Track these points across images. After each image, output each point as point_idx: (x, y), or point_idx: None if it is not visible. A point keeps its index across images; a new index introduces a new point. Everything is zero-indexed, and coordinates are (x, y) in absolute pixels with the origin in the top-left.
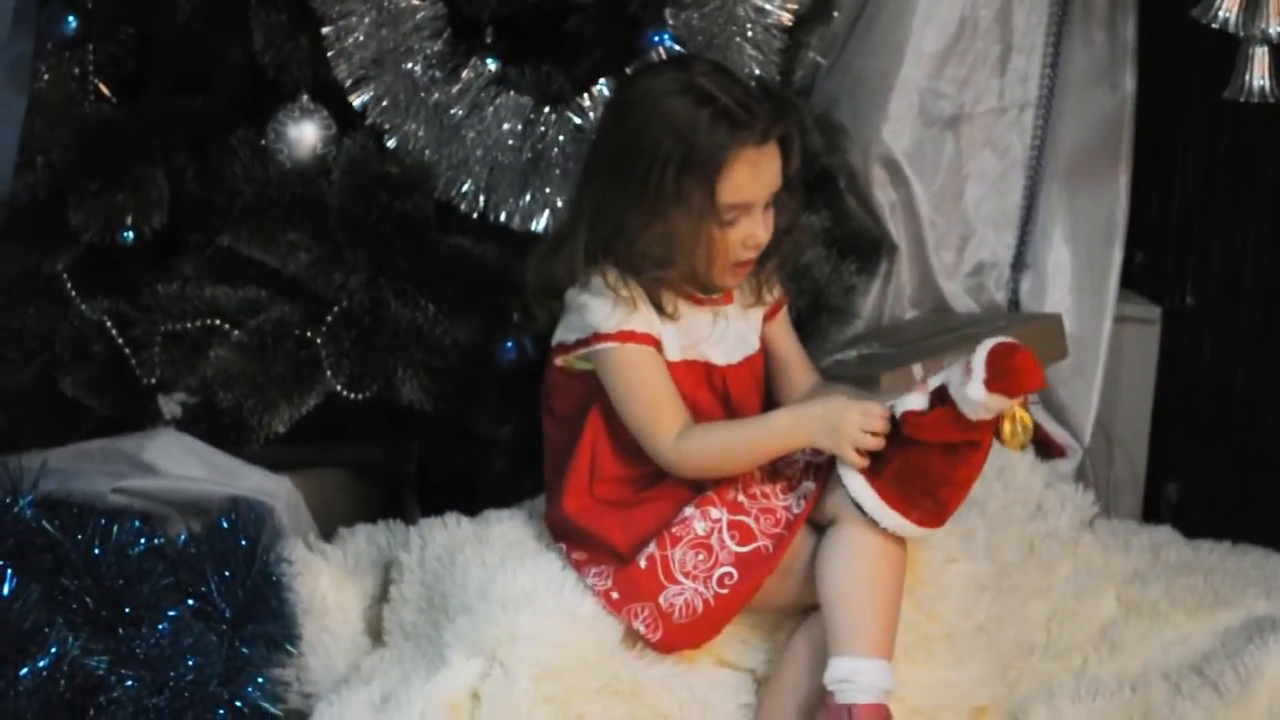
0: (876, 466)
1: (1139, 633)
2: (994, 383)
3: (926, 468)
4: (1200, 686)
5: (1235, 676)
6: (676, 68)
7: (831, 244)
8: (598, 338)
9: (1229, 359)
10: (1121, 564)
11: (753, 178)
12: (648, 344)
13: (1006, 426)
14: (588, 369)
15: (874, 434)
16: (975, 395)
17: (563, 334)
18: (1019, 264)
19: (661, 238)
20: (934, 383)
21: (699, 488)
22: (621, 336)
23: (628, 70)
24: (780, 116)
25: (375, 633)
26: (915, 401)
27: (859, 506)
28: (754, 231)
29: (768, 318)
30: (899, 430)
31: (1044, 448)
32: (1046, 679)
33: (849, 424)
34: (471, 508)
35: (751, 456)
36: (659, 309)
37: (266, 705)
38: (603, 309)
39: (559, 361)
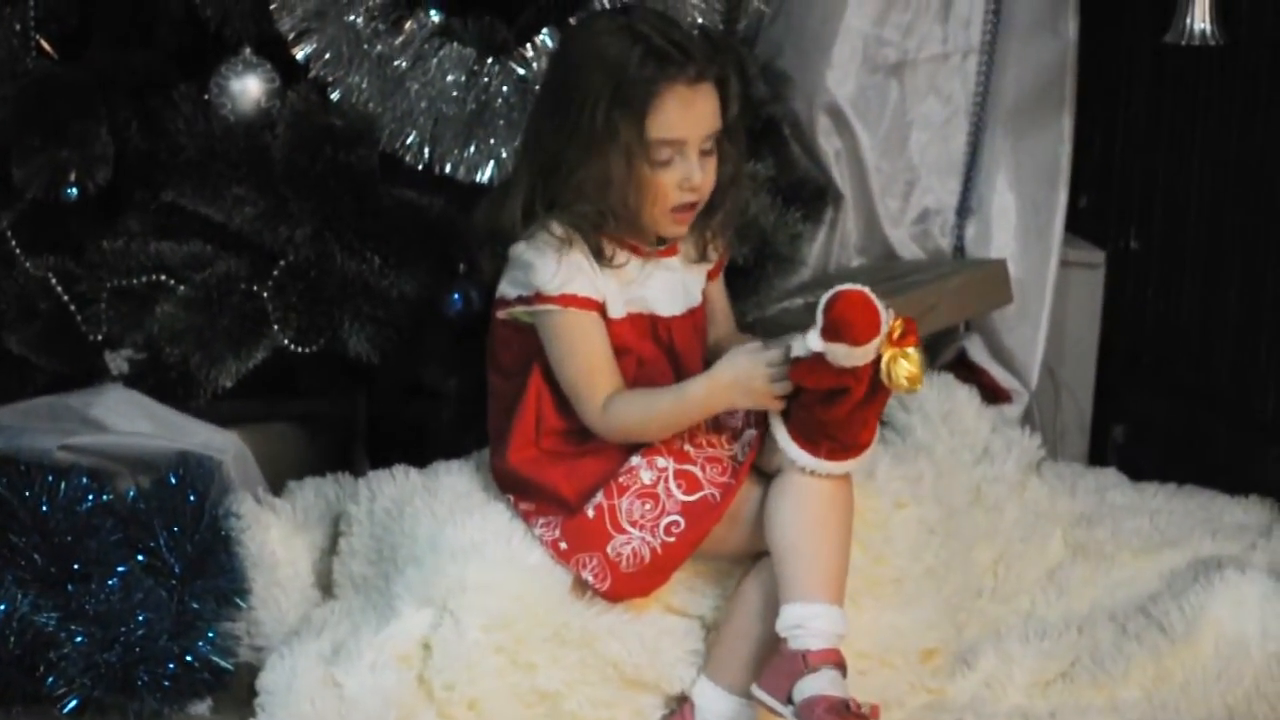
0: (787, 408)
1: (1085, 574)
2: (826, 332)
3: (811, 410)
4: (1146, 627)
5: (1181, 616)
6: (617, 13)
7: (776, 192)
8: (540, 298)
9: (1173, 301)
10: (1068, 507)
11: (683, 115)
12: (590, 309)
13: (884, 370)
14: (531, 322)
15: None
16: (813, 344)
17: (506, 288)
18: (964, 210)
19: (596, 177)
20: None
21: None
22: (563, 300)
23: (571, 21)
24: (714, 57)
25: (325, 585)
26: (799, 348)
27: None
28: (689, 175)
29: (711, 275)
30: None
31: (990, 392)
32: (994, 621)
33: (760, 380)
34: (420, 459)
35: (671, 425)
36: (599, 255)
37: (217, 659)
38: (547, 269)
39: (501, 315)
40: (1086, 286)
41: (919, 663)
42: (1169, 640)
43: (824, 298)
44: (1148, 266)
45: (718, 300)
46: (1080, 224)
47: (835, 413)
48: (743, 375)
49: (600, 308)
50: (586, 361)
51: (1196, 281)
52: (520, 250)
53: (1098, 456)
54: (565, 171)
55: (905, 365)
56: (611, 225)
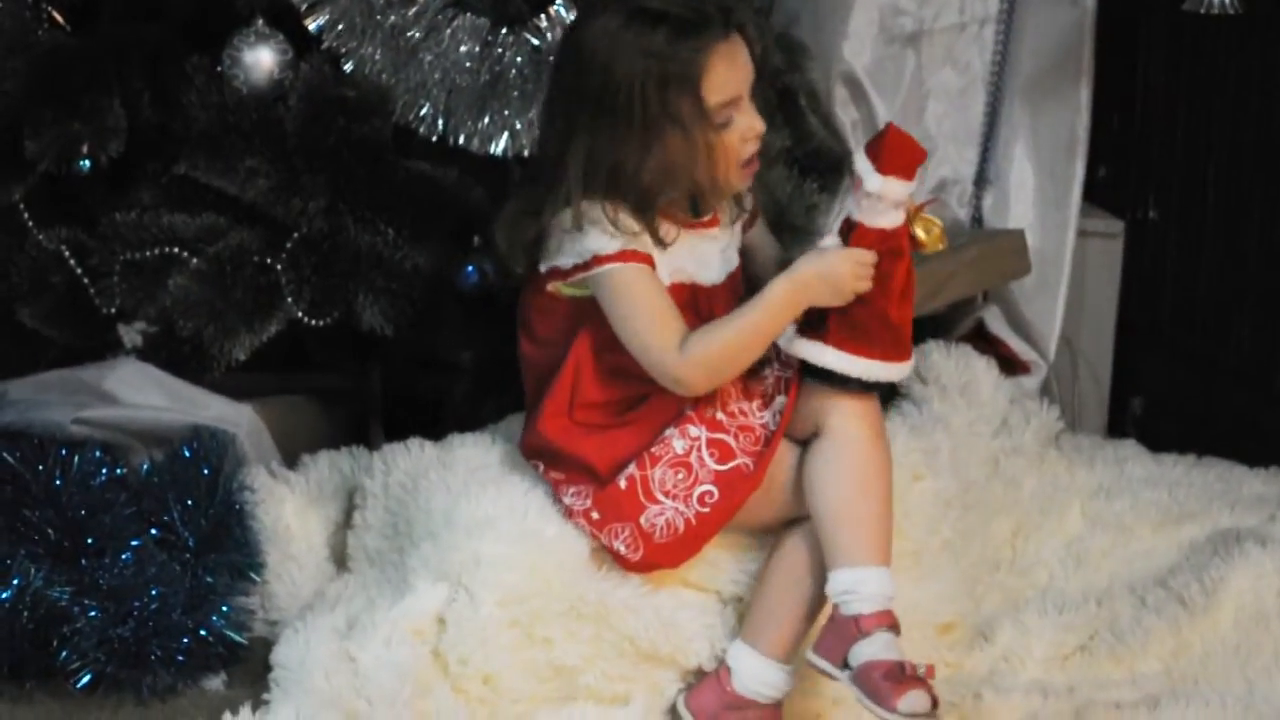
0: (819, 327)
1: (1104, 547)
2: (886, 167)
3: (866, 298)
4: (1165, 599)
5: (1200, 589)
6: (614, 2)
7: (793, 163)
8: (598, 260)
9: (1192, 272)
10: (1086, 479)
11: (732, 70)
12: (647, 263)
13: (919, 232)
14: (579, 295)
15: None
16: (874, 186)
17: (558, 259)
18: (981, 180)
19: (661, 164)
20: (835, 224)
21: (679, 412)
22: (623, 256)
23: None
24: (730, 5)
25: (340, 559)
26: (830, 244)
27: (830, 377)
28: (751, 124)
29: (746, 227)
30: None
31: (1008, 364)
32: (1012, 594)
33: (847, 275)
34: (435, 433)
35: (758, 339)
36: (656, 238)
37: (231, 633)
38: (603, 234)
39: (550, 287)
40: (1105, 257)
41: (937, 636)
42: (1188, 613)
43: (859, 153)
44: (1166, 237)
45: (766, 248)
46: (1098, 194)
47: (896, 282)
48: (831, 269)
49: (653, 265)
50: (652, 311)
51: (1215, 251)
52: (571, 219)
53: (1116, 428)
54: (626, 168)
55: (931, 219)
56: (676, 203)
